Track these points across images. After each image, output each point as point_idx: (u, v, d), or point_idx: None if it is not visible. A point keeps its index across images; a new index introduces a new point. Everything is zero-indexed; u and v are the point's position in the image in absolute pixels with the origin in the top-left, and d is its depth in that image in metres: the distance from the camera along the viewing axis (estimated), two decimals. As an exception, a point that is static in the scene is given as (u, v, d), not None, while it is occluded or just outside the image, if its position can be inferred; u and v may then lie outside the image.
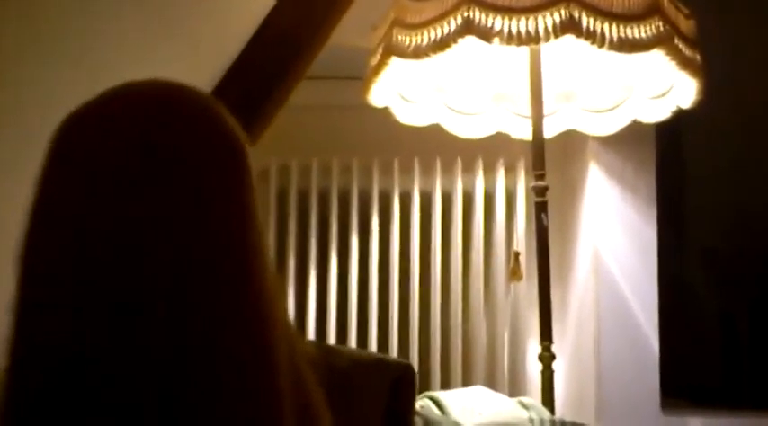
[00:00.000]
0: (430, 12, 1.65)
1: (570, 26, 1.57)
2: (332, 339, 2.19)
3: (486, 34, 1.59)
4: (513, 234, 2.24)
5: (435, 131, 2.00)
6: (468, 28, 1.59)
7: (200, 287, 0.72)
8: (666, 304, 2.09)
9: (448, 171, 2.26)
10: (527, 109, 1.85)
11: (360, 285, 2.21)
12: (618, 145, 2.08)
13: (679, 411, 2.09)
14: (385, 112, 1.92)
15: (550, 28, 1.57)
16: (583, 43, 1.61)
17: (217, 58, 1.66)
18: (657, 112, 1.90)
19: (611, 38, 1.59)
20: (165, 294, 0.71)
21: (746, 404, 2.28)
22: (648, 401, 2.03)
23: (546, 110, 1.85)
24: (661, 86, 1.85)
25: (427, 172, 2.25)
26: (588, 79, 1.95)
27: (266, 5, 1.67)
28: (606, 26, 1.59)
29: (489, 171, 2.26)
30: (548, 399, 1.74)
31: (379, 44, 1.77)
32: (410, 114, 1.96)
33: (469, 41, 1.61)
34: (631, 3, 1.62)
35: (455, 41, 1.61)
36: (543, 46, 1.75)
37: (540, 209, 1.81)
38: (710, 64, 1.77)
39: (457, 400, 1.48)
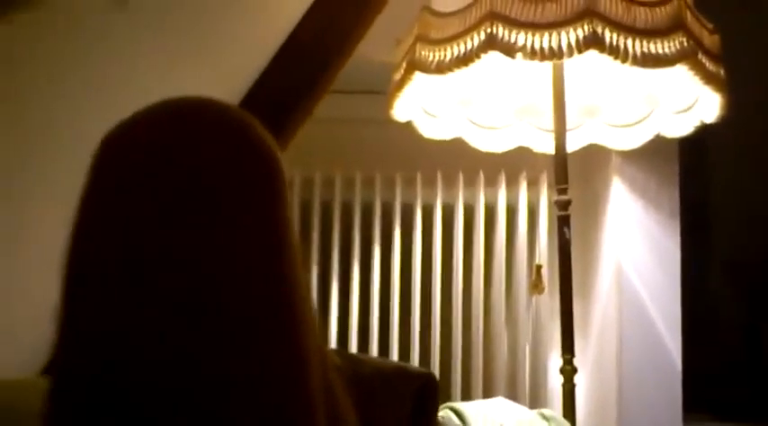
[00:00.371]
0: (453, 27, 1.66)
1: (593, 41, 1.57)
2: (353, 349, 2.19)
3: (509, 50, 1.59)
4: (536, 247, 2.24)
5: (458, 145, 2.01)
6: (491, 43, 1.59)
7: (239, 297, 0.74)
8: (689, 317, 2.08)
9: (470, 184, 2.26)
10: (550, 123, 1.85)
11: (381, 297, 2.22)
12: (641, 159, 2.08)
13: (701, 425, 2.08)
14: (408, 126, 1.93)
15: (573, 43, 1.57)
16: (606, 58, 1.60)
17: (241, 72, 1.68)
18: (681, 127, 1.89)
19: (635, 53, 1.58)
20: (206, 307, 0.73)
21: (770, 419, 2.27)
22: (670, 415, 2.02)
23: (569, 124, 1.85)
24: (685, 101, 1.85)
25: (450, 185, 2.26)
26: (611, 93, 1.95)
27: (291, 20, 1.69)
28: (630, 41, 1.58)
29: (512, 184, 2.26)
30: (569, 413, 1.74)
31: (402, 59, 1.78)
32: (433, 128, 1.97)
33: (493, 56, 1.61)
34: (655, 18, 1.61)
35: (478, 57, 1.61)
36: (566, 61, 1.75)
37: (562, 223, 1.80)
38: (734, 78, 1.77)
39: (478, 411, 1.49)
